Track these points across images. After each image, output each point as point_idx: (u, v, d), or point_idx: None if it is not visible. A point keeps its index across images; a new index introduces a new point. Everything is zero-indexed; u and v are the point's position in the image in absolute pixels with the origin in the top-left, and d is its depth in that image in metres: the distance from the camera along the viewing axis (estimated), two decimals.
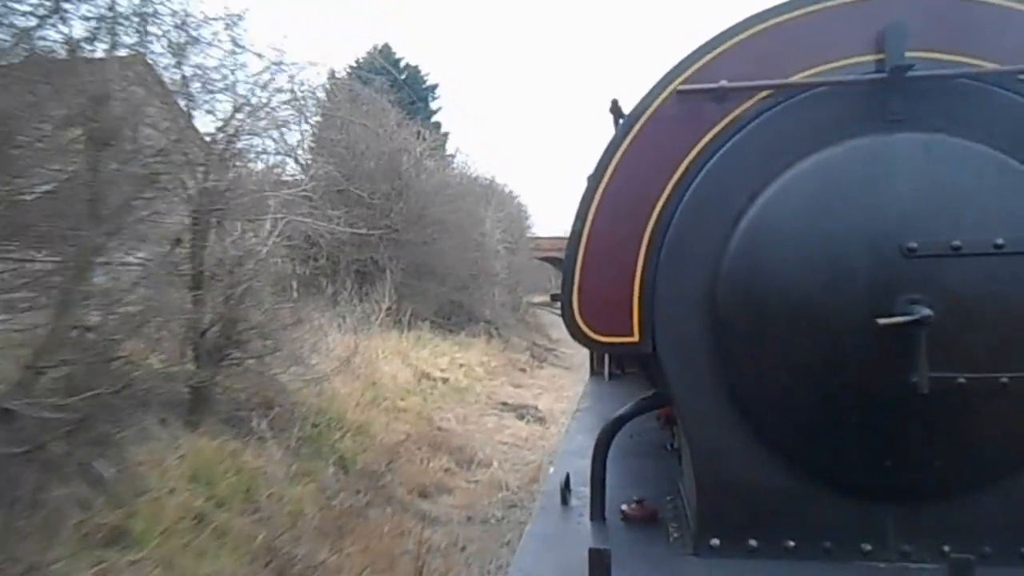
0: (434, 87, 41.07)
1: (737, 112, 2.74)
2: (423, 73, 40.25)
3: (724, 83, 2.70)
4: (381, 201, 20.19)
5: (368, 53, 38.44)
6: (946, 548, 2.54)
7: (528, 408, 16.59)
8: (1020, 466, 2.57)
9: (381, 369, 14.89)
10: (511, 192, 39.46)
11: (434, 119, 40.23)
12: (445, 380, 16.72)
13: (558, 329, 28.68)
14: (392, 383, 14.52)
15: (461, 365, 20.07)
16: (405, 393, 14.39)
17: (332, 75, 21.41)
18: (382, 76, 25.02)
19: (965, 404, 2.47)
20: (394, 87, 27.76)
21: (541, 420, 15.59)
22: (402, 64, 39.26)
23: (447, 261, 23.83)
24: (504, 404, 16.43)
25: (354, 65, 37.44)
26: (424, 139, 26.52)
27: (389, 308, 17.71)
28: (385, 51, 38.52)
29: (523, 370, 24.41)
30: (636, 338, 2.76)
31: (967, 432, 2.54)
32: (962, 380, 2.44)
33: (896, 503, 2.60)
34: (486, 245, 28.86)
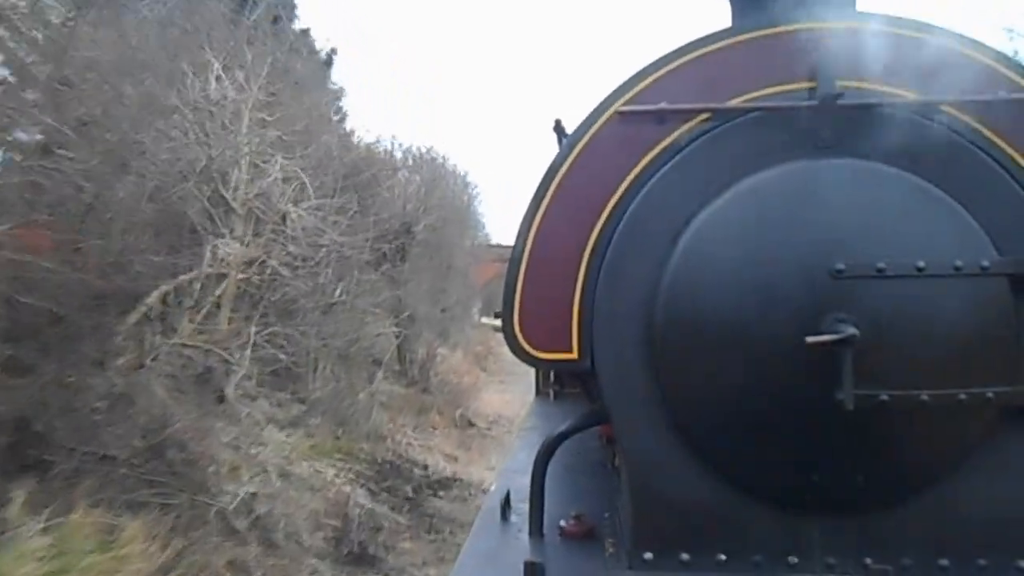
0: None
1: (676, 135, 2.77)
2: None
3: (664, 105, 2.74)
4: None
5: None
6: (868, 560, 2.58)
7: None
8: (938, 480, 2.61)
9: None
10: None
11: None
12: None
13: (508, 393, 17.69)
14: None
15: None
16: None
17: None
18: None
19: (888, 420, 2.52)
20: None
21: None
22: None
23: None
24: None
25: None
26: None
27: None
28: None
29: None
30: (575, 355, 2.78)
31: (889, 447, 2.59)
32: (885, 397, 2.48)
33: (822, 517, 2.63)
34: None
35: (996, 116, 2.67)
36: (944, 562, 2.59)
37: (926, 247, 2.51)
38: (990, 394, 2.51)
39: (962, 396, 2.49)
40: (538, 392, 7.37)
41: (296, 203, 11.00)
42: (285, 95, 11.87)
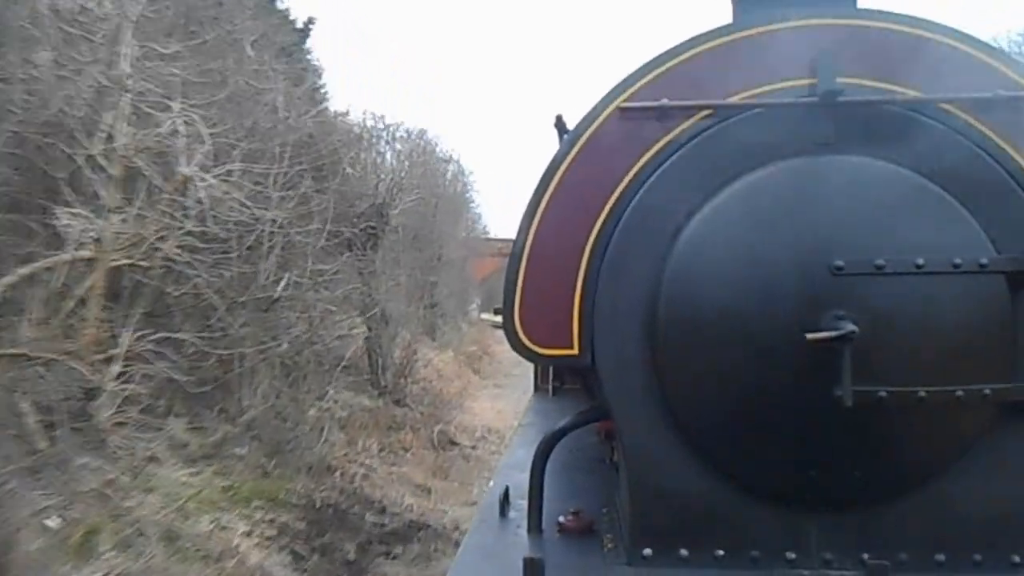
0: None
1: (677, 131, 2.77)
2: None
3: (665, 102, 2.73)
4: None
5: None
6: (865, 556, 2.60)
7: None
8: (935, 476, 2.62)
9: None
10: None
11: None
12: None
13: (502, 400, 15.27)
14: None
15: None
16: None
17: None
18: None
19: (885, 417, 2.52)
20: None
21: None
22: None
23: None
24: None
25: None
26: None
27: None
28: None
29: None
30: (576, 351, 2.78)
31: (886, 444, 2.59)
32: (883, 394, 2.49)
33: (819, 513, 2.65)
34: None
35: (996, 114, 2.65)
36: (940, 557, 2.58)
37: (925, 244, 2.50)
38: (987, 391, 2.51)
39: (960, 393, 2.49)
40: (537, 388, 7.37)
41: (207, 168, 8.34)
42: (201, 29, 9.17)
